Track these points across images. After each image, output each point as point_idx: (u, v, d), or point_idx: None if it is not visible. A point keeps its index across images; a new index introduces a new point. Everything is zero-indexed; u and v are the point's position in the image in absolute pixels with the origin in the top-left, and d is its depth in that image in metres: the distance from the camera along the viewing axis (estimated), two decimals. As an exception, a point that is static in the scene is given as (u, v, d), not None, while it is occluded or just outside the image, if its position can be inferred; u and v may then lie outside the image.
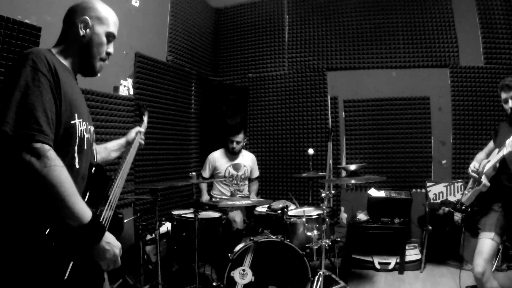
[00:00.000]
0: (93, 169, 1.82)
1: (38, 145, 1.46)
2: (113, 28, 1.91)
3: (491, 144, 3.64)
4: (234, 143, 4.90)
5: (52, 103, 1.57)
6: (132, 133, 2.45)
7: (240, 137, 4.92)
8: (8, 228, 1.52)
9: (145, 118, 2.59)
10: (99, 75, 1.94)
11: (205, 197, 4.90)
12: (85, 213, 1.56)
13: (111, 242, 1.66)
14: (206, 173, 5.03)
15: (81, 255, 1.58)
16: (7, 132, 1.43)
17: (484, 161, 3.45)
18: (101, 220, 1.70)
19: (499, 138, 3.43)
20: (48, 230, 1.50)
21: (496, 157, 3.23)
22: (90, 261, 1.63)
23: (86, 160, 1.80)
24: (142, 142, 2.49)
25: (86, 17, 1.80)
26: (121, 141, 2.43)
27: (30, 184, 1.50)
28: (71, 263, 1.53)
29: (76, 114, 1.71)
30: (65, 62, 1.79)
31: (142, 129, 2.52)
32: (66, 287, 1.51)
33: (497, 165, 3.20)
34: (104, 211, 1.75)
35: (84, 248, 1.59)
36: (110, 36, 1.90)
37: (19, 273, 1.48)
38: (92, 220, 1.57)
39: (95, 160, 1.96)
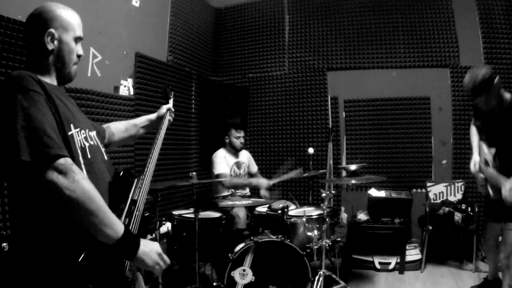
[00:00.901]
0: (121, 173, 1.79)
1: (62, 160, 1.43)
2: (78, 31, 1.82)
3: (473, 129, 3.73)
4: (241, 139, 4.94)
5: (52, 118, 1.53)
6: (163, 109, 2.47)
7: (243, 132, 4.97)
8: (41, 256, 1.49)
9: (171, 101, 2.61)
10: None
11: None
12: (118, 226, 1.53)
13: (147, 250, 1.63)
14: (225, 168, 4.82)
15: (113, 272, 1.55)
16: (26, 161, 1.39)
17: (484, 148, 3.47)
18: (131, 229, 1.67)
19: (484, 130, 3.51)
20: (82, 256, 1.46)
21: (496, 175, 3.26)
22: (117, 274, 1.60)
23: (96, 169, 1.74)
24: (171, 118, 2.53)
25: (51, 29, 1.71)
26: (151, 116, 2.46)
27: (59, 207, 1.46)
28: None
29: (71, 125, 1.66)
30: (45, 78, 1.72)
31: (171, 106, 2.55)
32: None
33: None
34: (134, 217, 1.73)
35: (122, 262, 1.57)
36: (78, 39, 1.82)
37: None
38: (125, 232, 1.54)
39: (111, 165, 1.93)
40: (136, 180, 1.87)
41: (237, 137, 4.92)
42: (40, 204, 1.50)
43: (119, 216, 1.64)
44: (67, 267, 1.45)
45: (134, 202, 1.78)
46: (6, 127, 1.45)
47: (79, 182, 1.43)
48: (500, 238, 3.52)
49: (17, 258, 1.56)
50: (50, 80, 1.75)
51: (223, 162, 4.85)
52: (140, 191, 1.83)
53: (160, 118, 2.44)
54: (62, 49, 1.76)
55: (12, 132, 1.42)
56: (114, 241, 1.50)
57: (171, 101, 2.61)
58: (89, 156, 1.71)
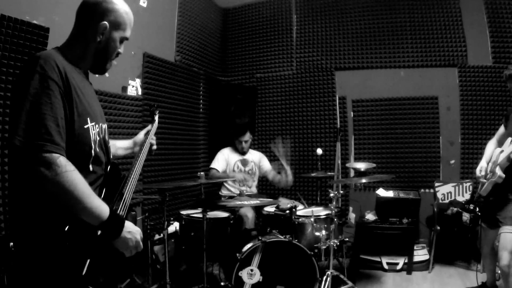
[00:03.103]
0: (109, 167, 1.84)
1: (47, 155, 1.47)
2: (128, 32, 1.88)
3: (501, 129, 3.64)
4: (243, 143, 5.01)
5: (62, 111, 1.56)
6: (140, 135, 2.44)
7: (247, 136, 5.02)
8: (29, 229, 1.56)
9: (156, 118, 2.58)
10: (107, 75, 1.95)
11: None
12: (103, 210, 1.59)
13: (131, 230, 1.70)
14: (219, 165, 4.99)
15: (99, 250, 1.61)
16: (17, 145, 1.45)
17: (497, 151, 3.43)
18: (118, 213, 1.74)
19: (511, 125, 3.43)
20: (67, 227, 1.53)
21: (510, 147, 3.21)
22: (107, 256, 1.66)
23: (101, 161, 1.80)
24: (154, 143, 2.44)
25: (105, 22, 1.75)
26: (129, 142, 2.42)
27: (45, 191, 1.51)
28: (88, 260, 1.56)
29: (88, 119, 1.71)
30: (78, 62, 1.77)
31: (152, 129, 2.48)
32: (84, 283, 1.54)
33: (511, 156, 3.18)
34: (120, 208, 1.78)
35: (107, 241, 1.63)
36: (123, 39, 1.87)
37: (40, 270, 1.53)
38: (110, 215, 1.60)
39: (110, 156, 1.98)
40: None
41: (240, 141, 5.01)
42: (29, 186, 1.57)
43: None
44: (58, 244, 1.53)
45: (121, 195, 1.84)
46: (16, 104, 1.51)
47: (62, 174, 1.48)
48: (496, 244, 3.48)
49: (15, 238, 1.64)
50: (83, 65, 1.81)
51: (220, 158, 5.05)
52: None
53: (139, 144, 2.37)
54: (108, 44, 1.81)
55: (18, 113, 1.48)
56: (100, 222, 1.57)
57: (155, 120, 2.54)
58: (98, 150, 1.77)
